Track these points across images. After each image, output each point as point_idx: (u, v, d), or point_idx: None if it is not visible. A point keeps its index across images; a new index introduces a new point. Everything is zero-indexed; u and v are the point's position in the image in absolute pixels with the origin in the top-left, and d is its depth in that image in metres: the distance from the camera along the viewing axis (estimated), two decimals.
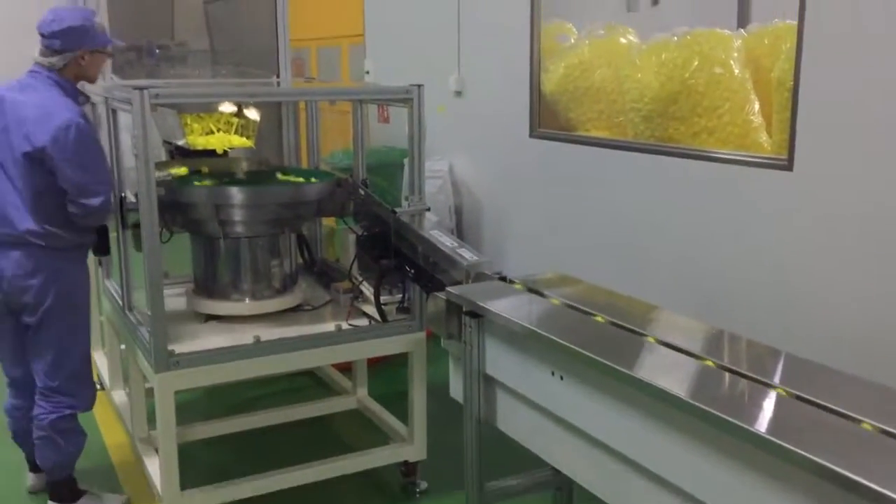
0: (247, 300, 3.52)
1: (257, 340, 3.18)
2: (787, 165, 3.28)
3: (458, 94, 5.54)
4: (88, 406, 3.38)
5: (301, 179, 3.70)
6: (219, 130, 3.82)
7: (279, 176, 3.78)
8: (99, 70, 3.31)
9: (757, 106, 3.83)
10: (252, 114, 3.92)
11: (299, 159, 4.40)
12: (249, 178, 3.75)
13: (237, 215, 3.39)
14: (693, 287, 3.70)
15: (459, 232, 5.60)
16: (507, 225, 5.25)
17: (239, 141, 3.82)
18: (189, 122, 3.78)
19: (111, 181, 3.26)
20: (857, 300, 3.05)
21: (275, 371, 3.40)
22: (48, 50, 3.14)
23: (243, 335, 3.25)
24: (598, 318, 2.46)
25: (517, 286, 2.81)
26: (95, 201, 3.07)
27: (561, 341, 2.26)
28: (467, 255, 3.00)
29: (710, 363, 2.12)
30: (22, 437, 3.45)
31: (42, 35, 3.14)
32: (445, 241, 3.10)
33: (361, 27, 6.82)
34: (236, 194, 3.38)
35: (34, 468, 3.55)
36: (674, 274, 3.82)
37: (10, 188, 3.07)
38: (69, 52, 3.13)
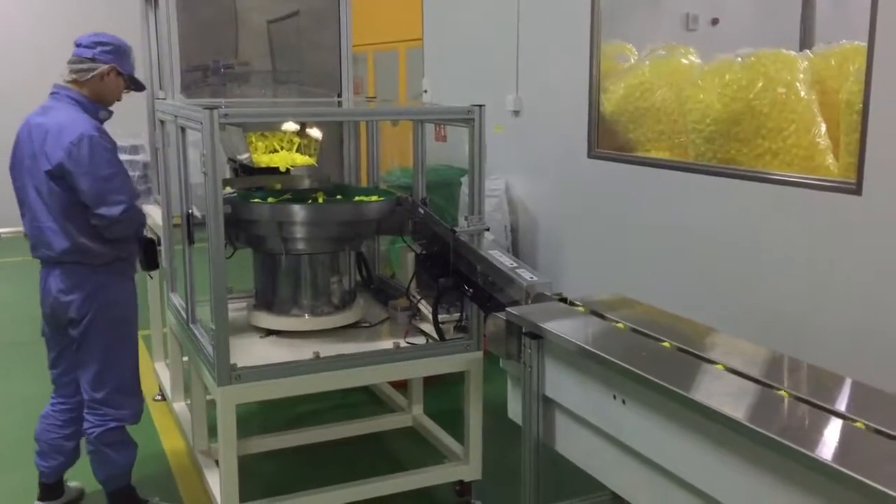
0: (306, 316, 3.57)
1: (317, 356, 3.22)
2: (856, 189, 3.22)
3: (516, 113, 5.55)
4: (135, 419, 3.44)
5: (367, 198, 3.75)
6: (282, 148, 3.89)
7: (340, 195, 3.83)
8: (117, 96, 3.39)
9: (823, 128, 3.76)
10: (314, 132, 3.99)
11: (359, 177, 4.46)
12: (309, 196, 3.81)
13: (299, 233, 3.45)
14: (756, 311, 3.63)
15: (515, 251, 5.59)
16: (563, 245, 5.23)
17: (302, 159, 3.88)
18: (253, 140, 3.86)
19: (133, 191, 3.30)
20: None
21: (333, 387, 3.43)
22: (78, 59, 3.27)
23: (303, 350, 3.29)
24: (659, 341, 2.43)
25: (577, 307, 2.80)
26: (115, 210, 3.14)
27: (624, 364, 2.24)
28: (526, 275, 2.99)
29: (774, 389, 2.08)
30: (45, 452, 3.47)
31: (77, 45, 3.29)
32: (504, 261, 3.11)
33: (419, 31, 6.87)
34: (299, 212, 3.43)
35: (43, 496, 3.56)
36: (735, 297, 3.76)
37: (45, 211, 3.18)
38: (98, 62, 3.25)
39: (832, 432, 1.86)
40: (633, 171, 4.51)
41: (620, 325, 2.61)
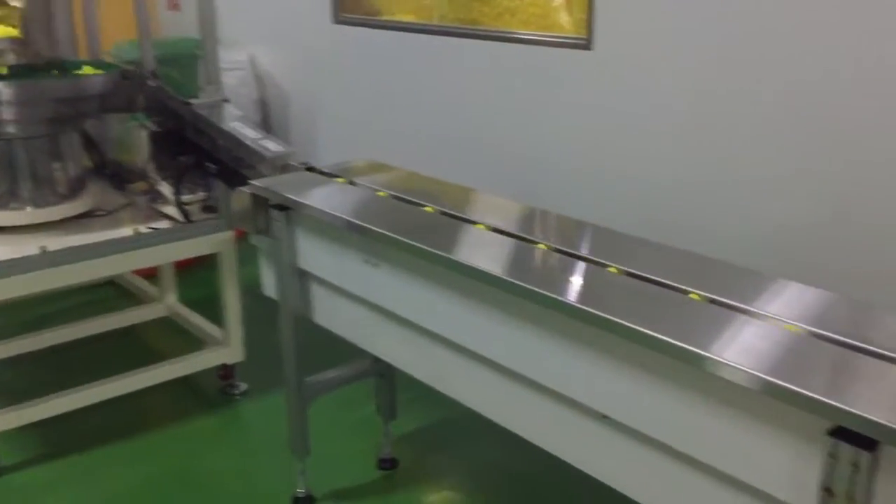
0: (28, 208, 3.21)
1: (44, 251, 2.91)
2: (587, 45, 3.34)
3: None
4: None
5: (86, 71, 3.35)
6: None
7: (56, 71, 3.40)
8: None
9: None
10: (14, 1, 3.47)
11: (76, 51, 3.97)
12: (18, 72, 3.34)
13: (7, 113, 3.03)
14: (505, 168, 3.75)
15: (267, 126, 5.36)
16: (316, 116, 5.08)
17: (2, 30, 3.38)
18: None
19: None
20: (657, 173, 3.21)
21: (67, 283, 3.13)
22: None
23: (28, 246, 2.96)
24: (411, 203, 2.42)
25: (326, 176, 2.72)
26: None
27: (371, 227, 2.21)
28: (272, 146, 2.86)
29: (521, 240, 2.13)
30: None
31: None
32: (247, 133, 2.94)
33: None
34: (4, 90, 3.01)
35: None
36: (486, 156, 3.86)
37: None
38: None
39: (582, 277, 1.91)
40: (380, 35, 4.40)
41: (372, 189, 2.56)
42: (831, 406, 1.32)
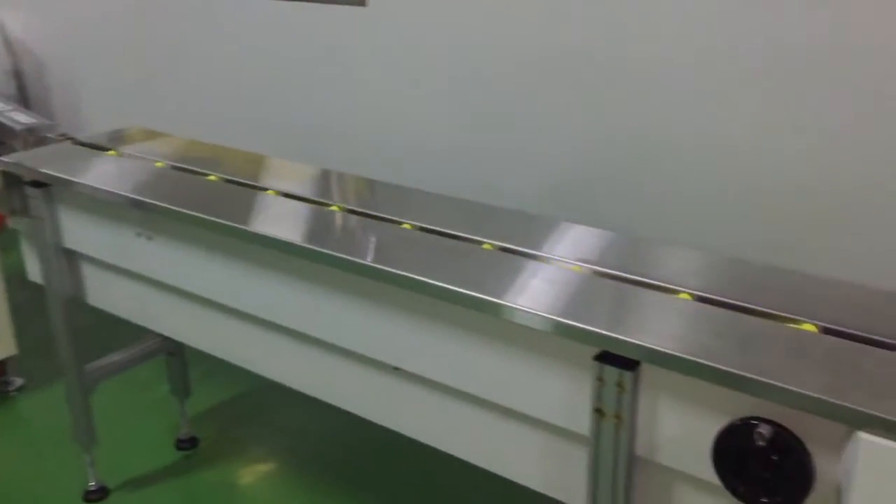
0: None
1: None
2: (361, 1, 3.30)
3: None
4: None
5: None
6: None
7: None
8: None
9: None
10: None
11: None
12: None
13: None
14: (286, 131, 3.65)
15: (24, 98, 4.89)
16: (79, 85, 4.69)
17: None
18: None
19: None
20: (434, 131, 3.24)
21: None
22: None
23: None
24: (190, 172, 2.29)
25: (90, 147, 2.52)
26: None
27: (146, 200, 2.08)
28: (22, 118, 2.62)
29: (309, 202, 2.08)
30: None
31: None
32: None
33: None
34: None
35: None
36: (267, 120, 3.74)
37: None
38: None
39: (374, 236, 1.89)
40: None
41: (144, 159, 2.40)
42: (594, 333, 1.40)
